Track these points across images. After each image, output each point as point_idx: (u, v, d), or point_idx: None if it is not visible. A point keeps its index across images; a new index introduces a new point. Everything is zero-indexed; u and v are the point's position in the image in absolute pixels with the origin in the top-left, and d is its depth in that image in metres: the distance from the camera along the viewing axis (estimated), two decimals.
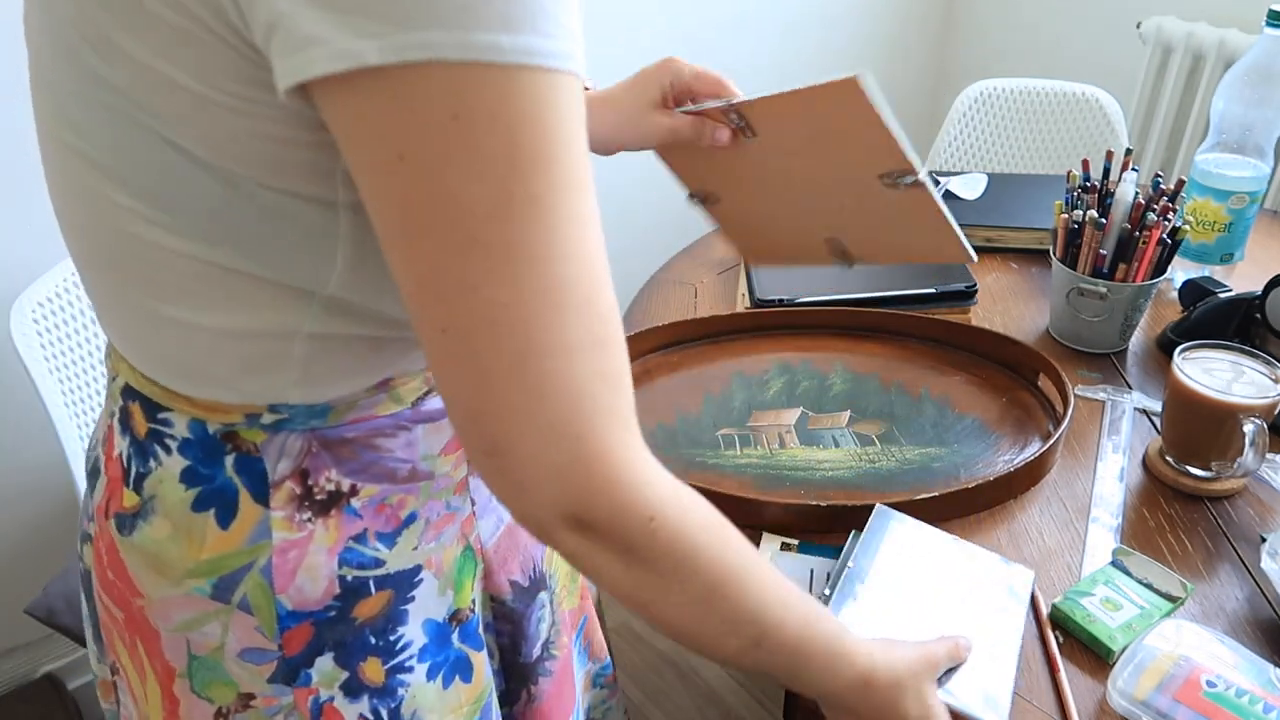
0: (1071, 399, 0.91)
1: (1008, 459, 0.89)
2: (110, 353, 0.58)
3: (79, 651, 1.53)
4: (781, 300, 1.09)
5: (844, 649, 0.56)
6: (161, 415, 0.54)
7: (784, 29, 2.12)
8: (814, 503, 0.81)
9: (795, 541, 0.80)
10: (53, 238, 0.60)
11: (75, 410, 1.15)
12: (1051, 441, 0.87)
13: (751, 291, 1.13)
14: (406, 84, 0.37)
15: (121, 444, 0.57)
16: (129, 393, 0.56)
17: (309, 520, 0.55)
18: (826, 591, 0.73)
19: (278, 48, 0.38)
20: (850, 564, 0.74)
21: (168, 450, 0.54)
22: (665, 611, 0.49)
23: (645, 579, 0.48)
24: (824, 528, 0.81)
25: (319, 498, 0.55)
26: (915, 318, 1.07)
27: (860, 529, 0.78)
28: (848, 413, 0.96)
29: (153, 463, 0.55)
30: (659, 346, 1.06)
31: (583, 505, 0.44)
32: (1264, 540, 0.77)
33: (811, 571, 0.78)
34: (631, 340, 1.02)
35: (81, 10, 0.43)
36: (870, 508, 0.79)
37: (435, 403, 0.57)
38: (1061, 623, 0.73)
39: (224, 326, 0.50)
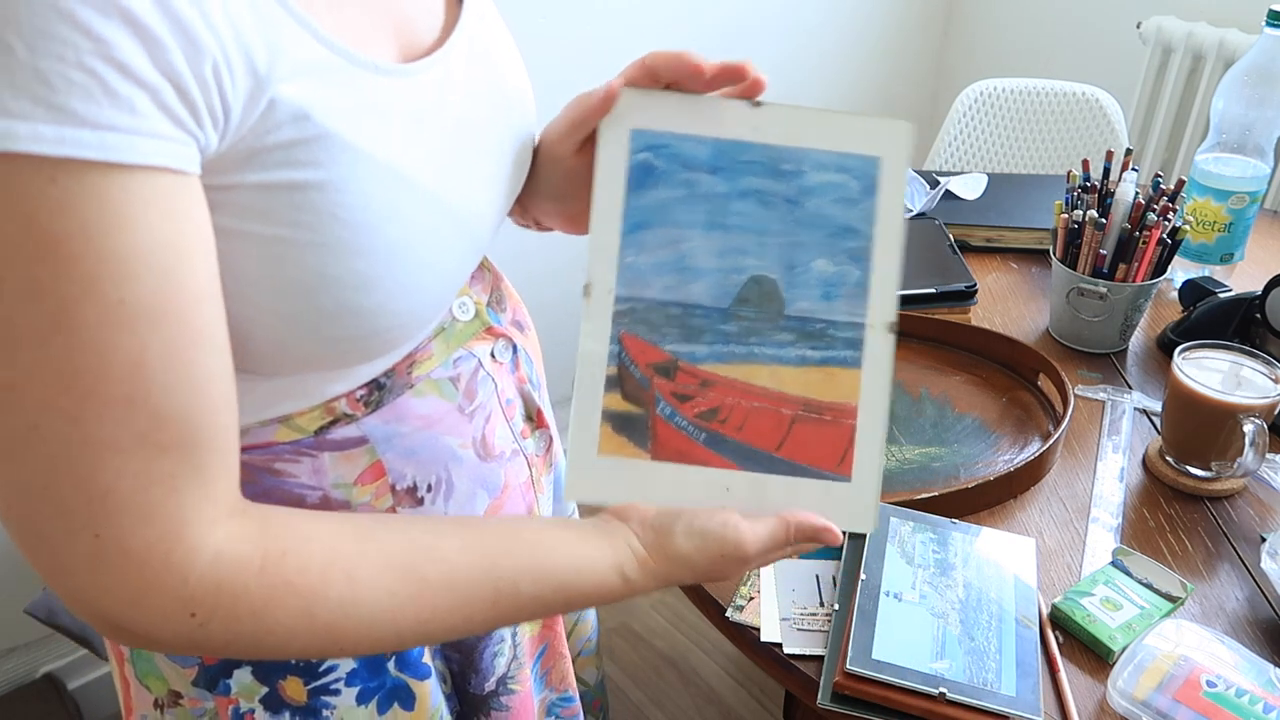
0: (1071, 399, 0.91)
1: (1008, 459, 0.89)
2: None
3: (79, 651, 1.53)
4: None
5: (577, 586, 0.52)
6: None
7: (784, 29, 2.12)
8: None
9: None
10: None
11: None
12: (1051, 441, 0.87)
13: None
14: None
15: None
16: None
17: None
18: (836, 606, 0.73)
19: None
20: (863, 575, 0.73)
21: None
22: (292, 656, 0.48)
23: (233, 655, 0.47)
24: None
25: None
26: (915, 317, 1.06)
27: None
28: None
29: None
30: None
31: (106, 609, 0.42)
32: (1264, 540, 0.77)
33: (817, 577, 0.77)
34: None
35: None
36: None
37: (342, 432, 0.55)
38: (1061, 623, 0.73)
39: None
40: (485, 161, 0.56)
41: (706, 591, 0.76)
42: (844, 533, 0.73)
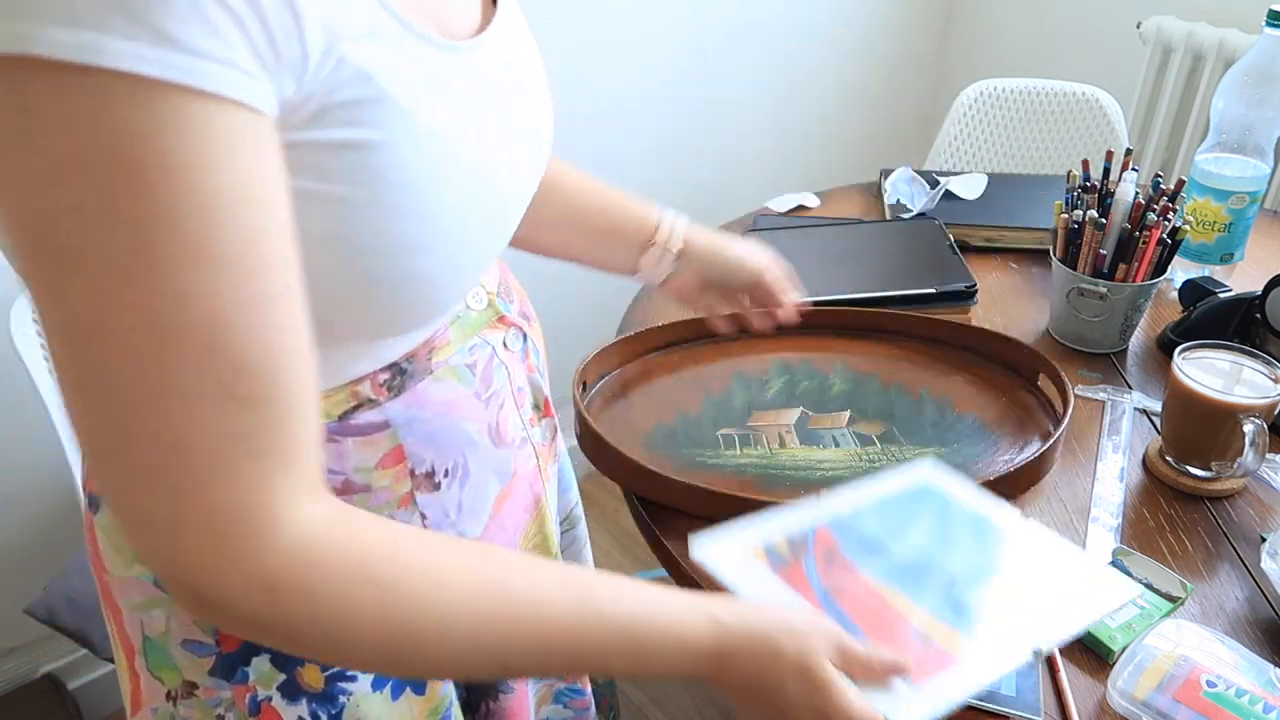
0: (1071, 399, 0.91)
1: (1008, 459, 0.89)
2: None
3: (79, 651, 1.53)
4: None
5: (662, 627, 0.49)
6: None
7: (785, 29, 2.12)
8: None
9: None
10: None
11: None
12: (1051, 441, 0.87)
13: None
14: None
15: None
16: None
17: None
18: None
19: None
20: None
21: None
22: (363, 667, 0.46)
23: (296, 648, 0.45)
24: None
25: None
26: (915, 317, 1.06)
27: None
28: (848, 413, 0.96)
29: None
30: (658, 346, 1.06)
31: (183, 571, 0.41)
32: (1264, 540, 0.77)
33: None
34: (631, 341, 1.02)
35: None
36: None
37: (366, 417, 0.56)
38: None
39: None
40: (517, 148, 0.57)
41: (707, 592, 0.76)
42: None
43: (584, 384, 0.97)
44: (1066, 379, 0.93)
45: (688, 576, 0.78)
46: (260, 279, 0.40)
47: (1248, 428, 0.81)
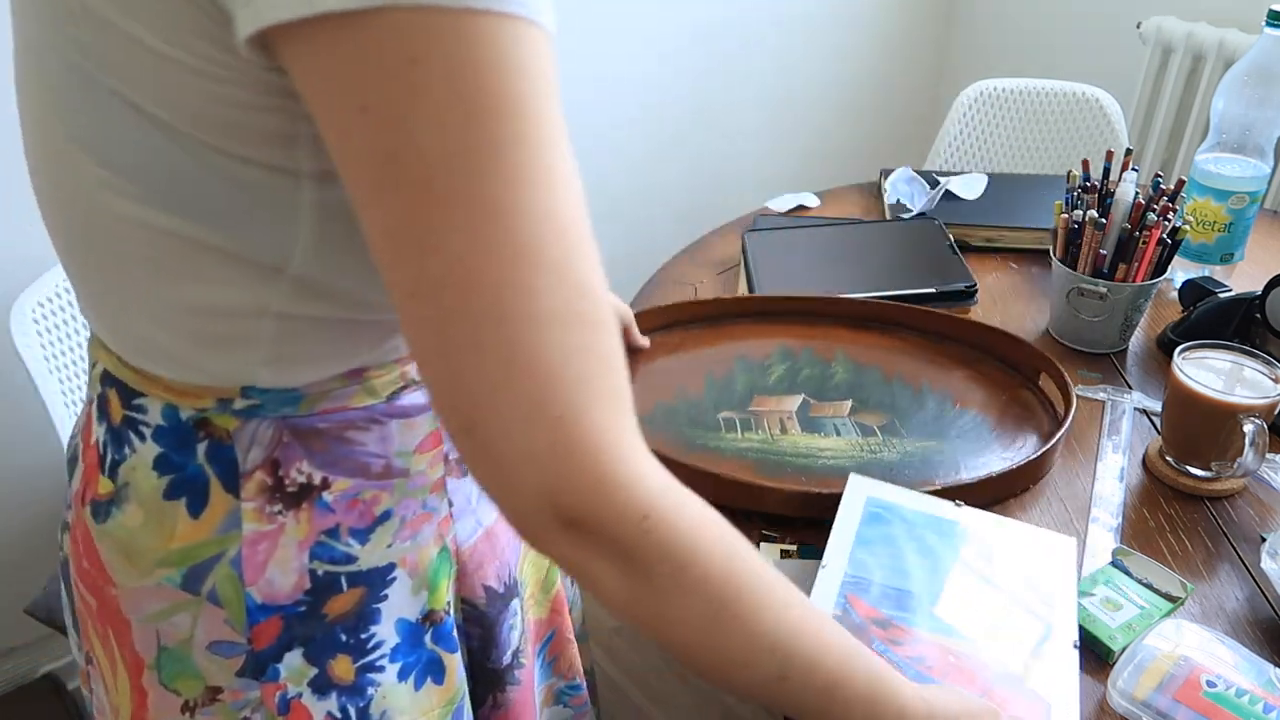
0: (1074, 399, 0.91)
1: (1008, 457, 0.89)
2: (92, 340, 0.58)
3: None
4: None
5: (891, 692, 0.51)
6: (136, 401, 0.54)
7: (786, 29, 2.12)
8: (816, 490, 0.81)
9: (795, 547, 0.80)
10: None
11: (75, 410, 1.15)
12: (1051, 443, 0.87)
13: (751, 290, 1.13)
14: (365, 30, 0.36)
15: (99, 431, 0.57)
16: (107, 379, 0.56)
17: (279, 513, 0.54)
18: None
19: None
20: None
21: (141, 437, 0.54)
22: (670, 631, 0.45)
23: (642, 590, 0.44)
24: (825, 515, 0.79)
25: (290, 489, 0.54)
26: (917, 310, 1.06)
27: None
28: (849, 402, 0.96)
29: (127, 449, 0.55)
30: (660, 326, 1.05)
31: (565, 497, 0.40)
32: (1264, 540, 0.77)
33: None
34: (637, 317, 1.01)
35: None
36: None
37: (411, 398, 0.57)
38: None
39: (193, 303, 0.50)
40: None
41: None
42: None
43: None
44: (1069, 378, 0.93)
45: None
46: (582, 199, 0.41)
47: (1248, 428, 0.81)
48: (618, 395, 0.41)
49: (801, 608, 0.48)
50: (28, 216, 1.40)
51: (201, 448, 0.53)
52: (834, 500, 0.80)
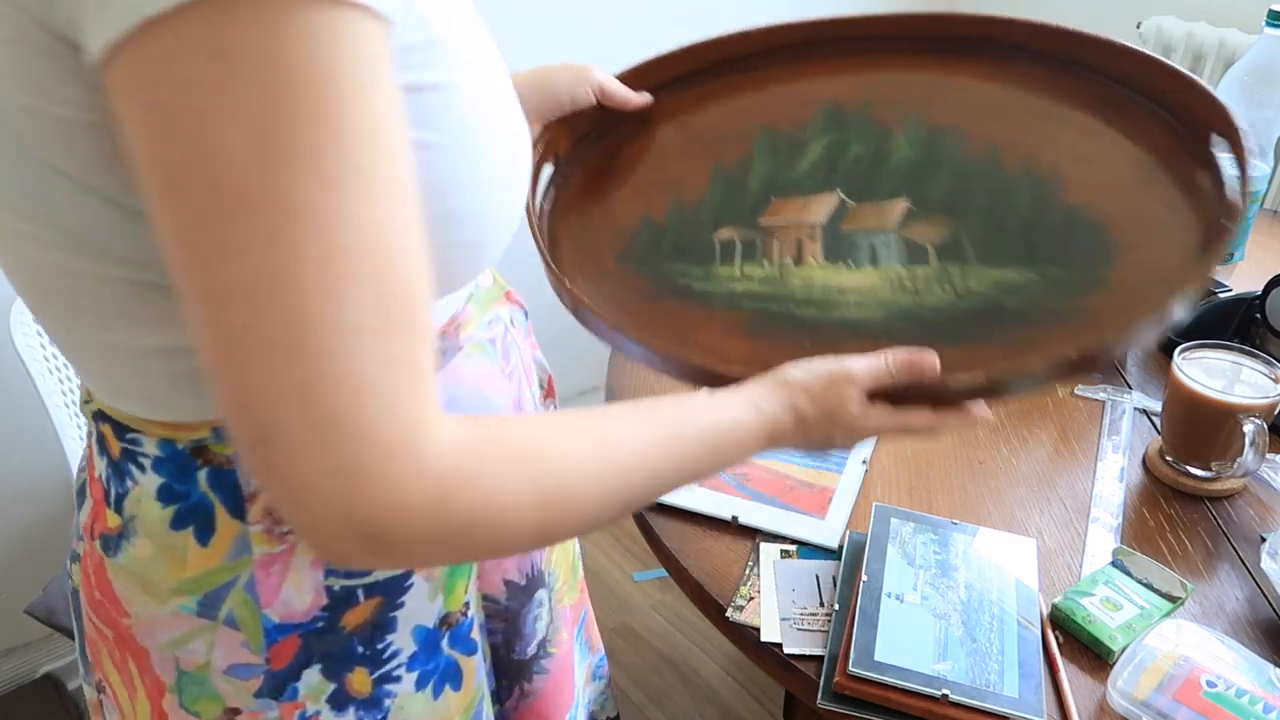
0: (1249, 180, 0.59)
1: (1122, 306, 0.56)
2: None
3: None
4: None
5: (726, 427, 0.53)
6: (130, 435, 0.53)
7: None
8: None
9: (794, 547, 0.80)
10: None
11: (75, 410, 1.15)
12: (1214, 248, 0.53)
13: None
14: (176, 31, 0.34)
15: (100, 464, 0.56)
16: (100, 416, 0.55)
17: (288, 533, 0.54)
18: (837, 606, 0.73)
19: (87, 22, 0.36)
20: (865, 576, 0.73)
21: (142, 469, 0.54)
22: (508, 549, 0.47)
23: (463, 554, 0.47)
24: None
25: None
26: (1035, 25, 0.72)
27: (858, 524, 0.78)
28: (903, 202, 0.67)
29: (129, 482, 0.54)
30: (667, 82, 0.78)
31: (363, 511, 0.39)
32: (1264, 540, 0.77)
33: (817, 578, 0.77)
34: (636, 72, 0.82)
35: None
36: None
37: None
38: (1061, 623, 0.73)
39: (163, 345, 0.49)
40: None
41: (707, 592, 0.76)
42: (844, 533, 0.80)
43: (556, 154, 0.75)
44: (1247, 145, 0.59)
45: (689, 578, 0.78)
46: (406, 204, 0.40)
47: (1248, 428, 0.81)
48: (420, 386, 0.40)
49: (619, 434, 0.49)
50: None
51: (202, 475, 0.53)
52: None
